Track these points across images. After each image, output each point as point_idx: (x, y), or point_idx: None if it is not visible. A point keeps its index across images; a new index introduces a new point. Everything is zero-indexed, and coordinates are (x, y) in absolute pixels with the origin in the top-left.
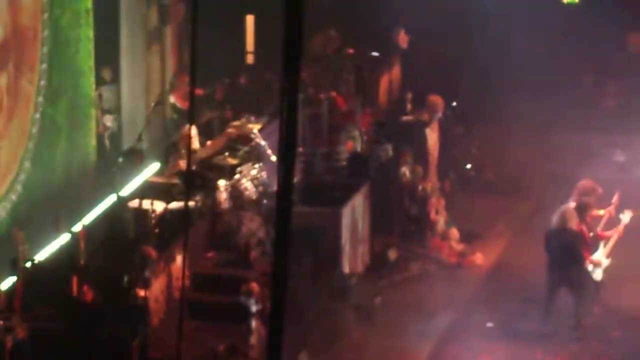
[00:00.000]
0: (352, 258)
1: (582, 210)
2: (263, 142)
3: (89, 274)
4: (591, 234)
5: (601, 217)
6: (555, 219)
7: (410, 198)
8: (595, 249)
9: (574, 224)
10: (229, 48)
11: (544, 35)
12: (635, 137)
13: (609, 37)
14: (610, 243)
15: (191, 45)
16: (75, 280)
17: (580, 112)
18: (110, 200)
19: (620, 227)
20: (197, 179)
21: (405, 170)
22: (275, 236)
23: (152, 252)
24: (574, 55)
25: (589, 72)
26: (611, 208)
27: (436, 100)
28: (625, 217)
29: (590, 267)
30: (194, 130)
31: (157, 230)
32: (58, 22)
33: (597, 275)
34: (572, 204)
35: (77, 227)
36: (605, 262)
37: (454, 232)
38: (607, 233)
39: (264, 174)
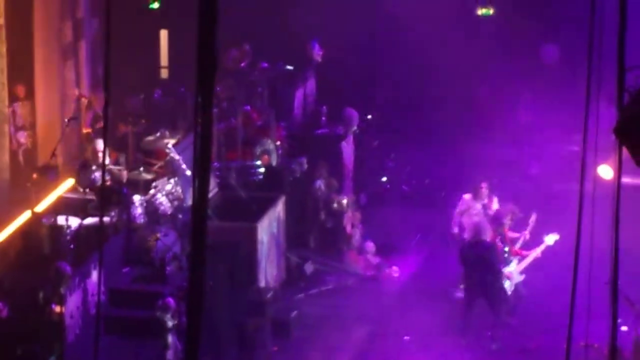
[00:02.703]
0: (268, 272)
1: (496, 224)
2: (178, 157)
3: (3, 290)
4: (505, 248)
5: (517, 238)
6: (468, 232)
7: (326, 211)
8: (507, 263)
9: (488, 236)
10: (144, 63)
11: (459, 47)
12: (546, 149)
13: (522, 48)
14: (527, 260)
15: (105, 60)
16: None
17: (495, 123)
18: (24, 216)
19: (540, 248)
20: (112, 194)
21: (321, 184)
22: (191, 251)
23: (67, 268)
24: (488, 67)
25: (503, 84)
26: (526, 232)
27: (351, 113)
28: (549, 239)
29: (502, 279)
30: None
31: (72, 246)
32: None
33: (508, 288)
34: (485, 218)
35: None
36: (518, 277)
37: (370, 245)
38: (525, 252)
39: (179, 189)
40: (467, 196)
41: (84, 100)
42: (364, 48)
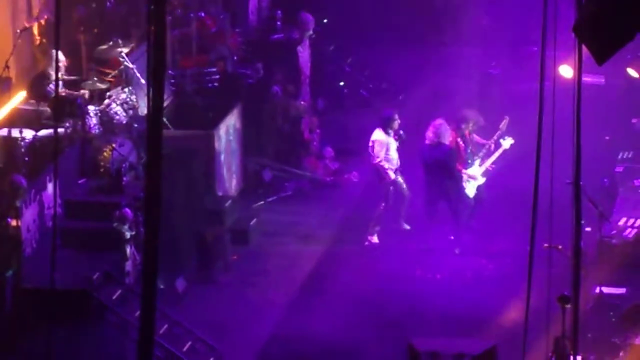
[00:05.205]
0: (226, 180)
1: (455, 126)
2: (132, 65)
3: None
4: (469, 149)
5: (483, 145)
6: (429, 134)
7: (283, 117)
8: (470, 165)
9: (448, 139)
10: None
11: None
12: (507, 49)
13: None
14: (486, 164)
15: None
16: None
17: (454, 24)
18: None
19: (498, 152)
20: (66, 105)
21: (278, 90)
22: (147, 160)
23: (23, 181)
24: None
25: None
26: (491, 141)
27: (306, 17)
28: (505, 143)
29: (464, 181)
30: (61, 56)
31: (27, 159)
32: None
33: (470, 190)
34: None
35: None
36: (481, 179)
37: (329, 151)
38: (485, 160)
39: (133, 98)
40: (378, 133)
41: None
42: None
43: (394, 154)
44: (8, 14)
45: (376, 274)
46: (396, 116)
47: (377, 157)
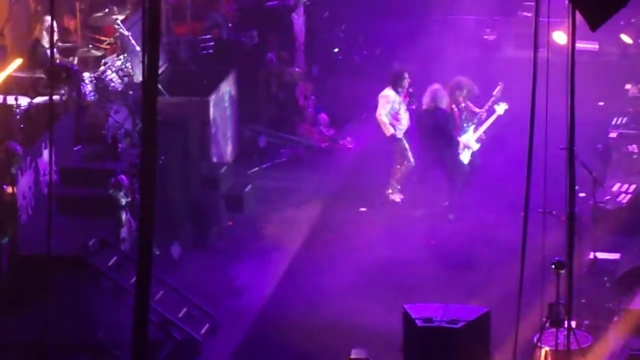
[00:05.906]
0: (221, 147)
1: (449, 93)
2: (127, 33)
3: None
4: (463, 115)
5: (477, 113)
6: (426, 99)
7: (278, 84)
8: (464, 131)
9: (444, 103)
10: None
11: None
12: (503, 15)
13: None
14: (480, 130)
15: None
16: None
17: None
18: None
19: (492, 118)
20: (62, 72)
21: (272, 57)
22: (142, 127)
23: (18, 148)
24: None
25: None
26: (483, 110)
27: None
28: (499, 108)
29: (460, 149)
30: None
31: (22, 126)
32: None
33: (465, 157)
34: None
35: None
36: (475, 146)
37: (323, 117)
38: (479, 126)
39: (129, 65)
40: (387, 90)
41: None
42: None
43: (403, 114)
44: None
45: (370, 240)
46: (406, 74)
47: (378, 111)
